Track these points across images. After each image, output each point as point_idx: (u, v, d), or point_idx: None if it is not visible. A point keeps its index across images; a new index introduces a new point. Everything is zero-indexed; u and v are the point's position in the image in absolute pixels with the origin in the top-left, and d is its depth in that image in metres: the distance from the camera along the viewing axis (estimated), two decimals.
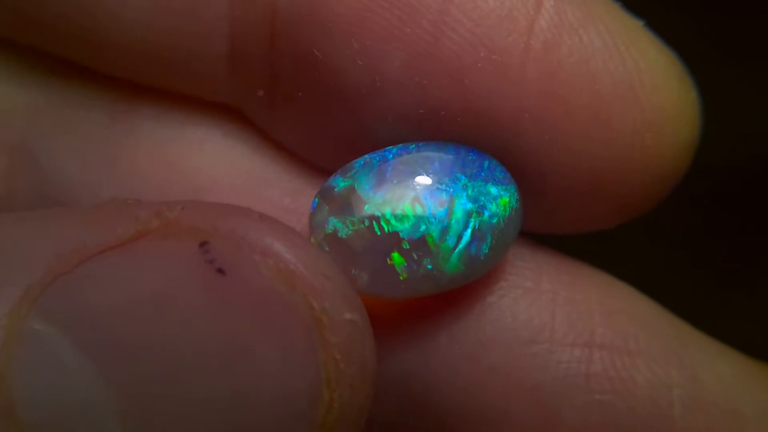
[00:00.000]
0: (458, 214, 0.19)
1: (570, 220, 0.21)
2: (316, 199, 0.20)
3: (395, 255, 0.19)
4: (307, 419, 0.16)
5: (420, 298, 0.21)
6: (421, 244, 0.19)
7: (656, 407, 0.21)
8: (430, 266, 0.19)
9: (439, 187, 0.19)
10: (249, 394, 0.16)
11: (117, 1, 0.21)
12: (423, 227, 0.19)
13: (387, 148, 0.20)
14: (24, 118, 0.23)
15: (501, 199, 0.20)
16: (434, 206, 0.19)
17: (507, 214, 0.20)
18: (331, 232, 0.19)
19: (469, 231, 0.19)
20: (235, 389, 0.16)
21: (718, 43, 0.40)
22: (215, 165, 0.23)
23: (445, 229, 0.19)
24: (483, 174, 0.20)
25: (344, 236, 0.19)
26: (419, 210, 0.19)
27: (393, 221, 0.19)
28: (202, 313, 0.16)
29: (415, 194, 0.19)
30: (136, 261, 0.16)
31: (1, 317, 0.15)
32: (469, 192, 0.19)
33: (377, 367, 0.17)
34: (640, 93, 0.19)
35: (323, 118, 0.21)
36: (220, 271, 0.16)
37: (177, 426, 0.15)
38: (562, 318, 0.21)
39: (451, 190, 0.19)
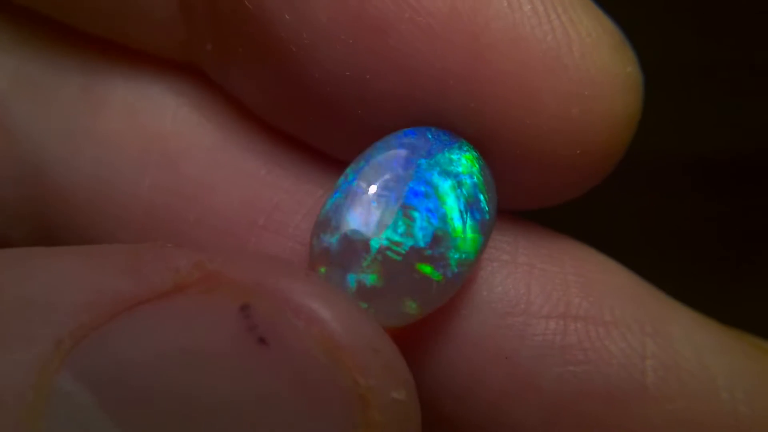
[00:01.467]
0: (445, 197, 0.19)
1: (509, 191, 0.21)
2: (322, 269, 0.19)
3: (420, 266, 0.19)
4: None
5: None
6: (435, 241, 0.19)
7: (630, 376, 0.21)
8: (456, 255, 0.19)
9: (414, 183, 0.19)
10: None
11: None
12: (427, 226, 0.19)
13: (344, 172, 0.20)
14: (2, 79, 0.23)
15: (464, 157, 0.20)
16: (422, 203, 0.19)
17: (478, 167, 0.20)
18: (356, 286, 0.19)
19: (463, 204, 0.19)
20: None
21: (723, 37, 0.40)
22: (189, 131, 0.22)
23: (445, 217, 0.19)
24: (436, 146, 0.20)
25: (371, 283, 0.19)
26: (414, 215, 0.19)
27: (402, 240, 0.19)
28: (239, 382, 0.15)
29: (400, 205, 0.19)
30: (173, 317, 0.16)
31: (31, 373, 0.15)
32: (438, 170, 0.19)
33: None
34: (569, 62, 0.19)
35: (266, 74, 0.21)
36: (262, 340, 0.15)
37: None
38: (537, 290, 0.21)
39: (425, 179, 0.19)
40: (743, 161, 0.36)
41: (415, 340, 0.21)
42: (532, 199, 0.22)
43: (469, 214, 0.19)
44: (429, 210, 0.19)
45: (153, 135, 0.23)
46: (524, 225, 0.22)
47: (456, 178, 0.19)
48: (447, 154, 0.20)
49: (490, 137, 0.20)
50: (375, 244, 0.19)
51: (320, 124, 0.21)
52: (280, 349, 0.15)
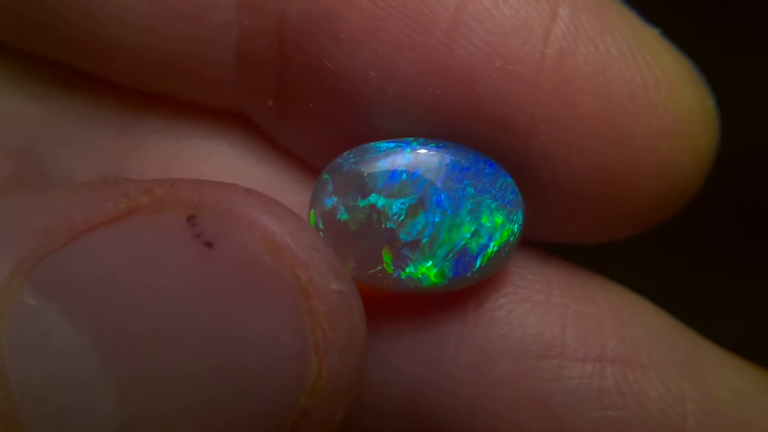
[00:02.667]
0: (456, 228, 0.19)
1: (585, 229, 0.21)
2: (325, 175, 0.20)
3: (386, 251, 0.19)
4: (296, 386, 0.16)
5: (417, 298, 0.21)
6: (413, 246, 0.19)
7: (669, 421, 0.20)
8: (414, 270, 0.19)
9: (447, 194, 0.19)
10: (237, 361, 0.16)
11: (123, 6, 0.21)
12: (419, 231, 0.19)
13: (407, 139, 0.20)
14: (30, 125, 0.23)
15: (502, 226, 0.20)
16: (437, 213, 0.19)
17: (504, 240, 0.20)
18: (329, 210, 0.19)
19: (462, 248, 0.19)
20: (223, 356, 0.16)
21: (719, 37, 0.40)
22: (222, 176, 0.22)
23: (440, 240, 0.19)
24: (493, 192, 0.19)
25: (341, 219, 0.19)
26: (420, 213, 0.19)
27: (393, 218, 0.19)
28: (190, 284, 0.16)
29: (421, 196, 0.19)
30: (125, 236, 0.16)
31: None
32: (474, 207, 0.19)
33: (367, 336, 0.18)
34: (657, 100, 0.19)
35: (334, 126, 0.21)
36: (208, 244, 0.16)
37: (168, 392, 0.16)
38: (573, 332, 0.21)
39: (457, 201, 0.19)
40: (745, 158, 0.36)
41: (445, 378, 0.21)
42: (606, 233, 0.21)
43: (454, 259, 0.19)
44: (433, 223, 0.19)
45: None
46: (555, 264, 0.22)
47: (477, 227, 0.19)
48: (494, 207, 0.19)
49: (577, 176, 0.20)
50: (372, 200, 0.19)
51: None
52: (226, 251, 0.16)
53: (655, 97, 0.19)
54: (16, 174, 0.22)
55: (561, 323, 0.21)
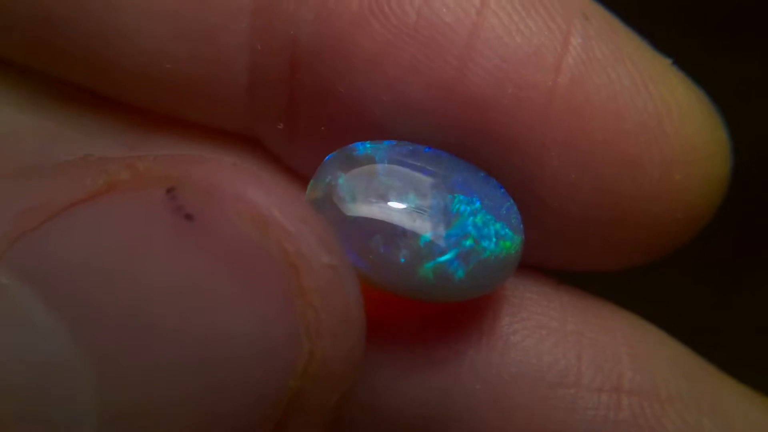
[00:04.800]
0: (456, 229, 0.19)
1: (596, 256, 0.21)
2: (335, 153, 0.19)
3: (377, 235, 0.19)
4: (286, 369, 0.16)
5: (431, 321, 0.21)
6: (408, 236, 0.19)
7: None
8: (403, 260, 0.19)
9: (452, 198, 0.19)
10: (222, 343, 0.15)
11: (133, 28, 0.21)
12: (417, 224, 0.19)
13: (425, 146, 0.20)
14: (38, 141, 0.23)
15: (503, 240, 0.19)
16: (439, 212, 0.19)
17: (500, 253, 0.19)
18: (331, 182, 0.19)
19: (456, 250, 0.19)
20: (207, 338, 0.15)
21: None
22: None
23: (437, 236, 0.19)
24: (499, 212, 0.19)
25: (341, 194, 0.19)
26: (423, 208, 0.19)
27: (394, 208, 0.19)
28: (171, 260, 0.15)
29: (426, 192, 0.19)
30: (105, 213, 0.16)
31: None
32: (477, 219, 0.19)
33: (364, 319, 0.17)
34: (669, 129, 0.19)
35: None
36: (188, 216, 0.15)
37: (150, 376, 0.15)
38: (588, 361, 0.20)
39: (462, 207, 0.19)
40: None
41: (458, 405, 0.21)
42: (617, 262, 0.21)
43: (447, 257, 0.19)
44: (433, 221, 0.19)
45: None
46: (569, 291, 0.22)
47: (478, 237, 0.19)
48: (496, 222, 0.19)
49: (588, 205, 0.20)
50: (375, 188, 0.19)
51: None
52: (208, 225, 0.15)
53: (667, 126, 0.19)
54: None
55: (576, 351, 0.21)
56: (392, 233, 0.19)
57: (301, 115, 0.21)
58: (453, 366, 0.21)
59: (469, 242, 0.19)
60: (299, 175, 0.22)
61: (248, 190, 0.16)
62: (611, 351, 0.21)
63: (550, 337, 0.21)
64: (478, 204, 0.19)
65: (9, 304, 0.15)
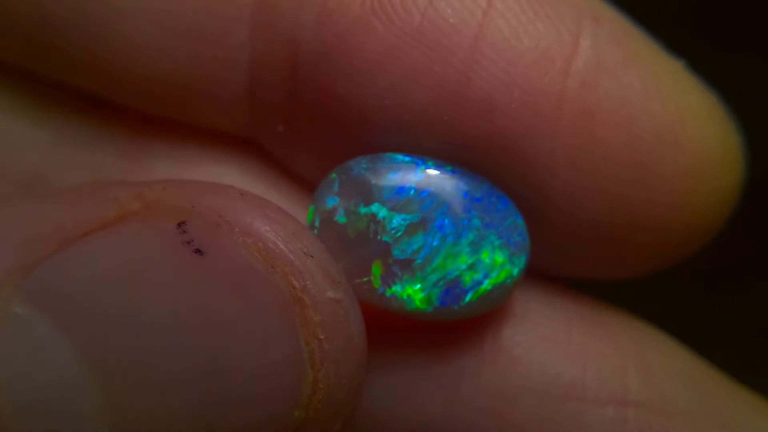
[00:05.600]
0: (453, 257, 0.19)
1: (605, 265, 0.20)
2: (333, 174, 0.19)
3: (377, 264, 0.18)
4: (290, 398, 0.16)
5: (432, 332, 0.20)
6: (405, 265, 0.18)
7: None
8: (401, 290, 0.19)
9: (452, 220, 0.18)
10: (226, 373, 0.15)
11: (135, 30, 0.20)
12: (414, 252, 0.18)
13: (424, 157, 0.19)
14: (36, 150, 0.22)
15: (501, 266, 0.19)
16: (436, 237, 0.18)
17: (500, 281, 0.19)
18: (329, 210, 0.19)
19: (454, 278, 0.19)
20: (212, 368, 0.15)
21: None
22: None
23: (434, 264, 0.18)
24: (500, 229, 0.19)
25: (339, 221, 0.19)
26: (420, 233, 0.18)
27: (390, 233, 0.18)
28: (180, 292, 0.15)
29: (424, 216, 0.18)
30: (116, 244, 0.16)
31: None
32: (476, 240, 0.19)
33: (366, 347, 0.17)
34: (682, 137, 0.19)
35: (347, 154, 0.20)
36: (198, 251, 0.16)
37: (157, 401, 0.15)
38: (594, 373, 0.20)
39: (460, 230, 0.19)
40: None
41: (461, 421, 0.20)
42: (629, 269, 0.21)
43: (444, 288, 0.19)
44: (430, 247, 0.18)
45: None
46: (576, 299, 0.21)
47: (475, 262, 0.19)
48: (498, 245, 0.19)
49: (598, 212, 0.19)
50: (374, 210, 0.19)
51: None
52: (217, 259, 0.16)
53: (680, 134, 0.19)
54: None
55: (581, 364, 0.20)
56: (391, 262, 0.18)
57: (302, 118, 0.20)
58: (454, 380, 0.20)
59: (467, 277, 0.19)
60: (299, 177, 0.22)
61: (255, 223, 0.16)
62: (618, 362, 0.20)
63: (554, 350, 0.20)
64: (478, 223, 0.19)
65: (24, 334, 0.15)
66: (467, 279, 0.19)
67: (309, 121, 0.20)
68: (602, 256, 0.20)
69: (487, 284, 0.19)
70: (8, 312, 0.15)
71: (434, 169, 0.19)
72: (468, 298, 0.19)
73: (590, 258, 0.20)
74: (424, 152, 0.19)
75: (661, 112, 0.18)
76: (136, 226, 0.16)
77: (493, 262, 0.19)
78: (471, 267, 0.19)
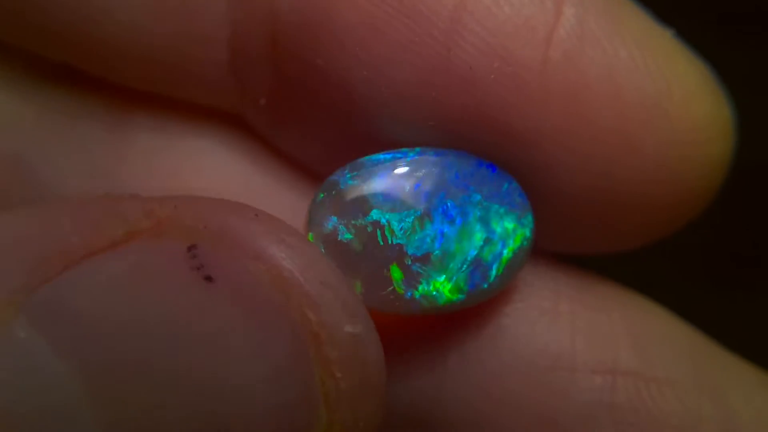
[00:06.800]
0: (468, 237, 0.18)
1: (594, 239, 0.20)
2: (321, 194, 0.19)
3: (394, 268, 0.18)
4: None
5: (420, 316, 0.20)
6: (424, 261, 0.18)
7: None
8: (428, 286, 0.18)
9: (453, 202, 0.18)
10: (233, 412, 0.15)
11: (115, 4, 0.20)
12: (429, 244, 0.18)
13: (403, 150, 0.19)
14: (20, 127, 0.22)
15: (514, 230, 0.19)
16: (444, 224, 0.18)
17: (518, 245, 0.19)
18: (330, 232, 0.18)
19: (475, 258, 0.18)
20: (219, 405, 0.15)
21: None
22: (214, 179, 0.22)
23: (452, 251, 0.18)
24: (500, 196, 0.19)
25: (344, 239, 0.18)
26: (428, 225, 0.18)
27: (398, 233, 0.18)
28: (189, 318, 0.15)
29: (426, 207, 0.18)
30: (124, 265, 0.15)
31: None
32: (483, 214, 0.18)
33: (385, 383, 0.16)
34: (668, 108, 0.18)
35: (329, 127, 0.20)
36: (208, 278, 0.15)
37: (160, 428, 0.14)
38: (582, 342, 0.20)
39: (465, 209, 0.18)
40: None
41: (450, 398, 0.20)
42: (616, 244, 0.20)
43: (468, 271, 0.18)
44: (442, 234, 0.18)
45: (178, 182, 0.22)
46: (565, 269, 0.21)
47: (488, 235, 0.19)
48: (503, 212, 0.19)
49: (584, 187, 0.19)
50: (375, 216, 0.18)
51: None
52: (228, 286, 0.15)
53: (667, 105, 0.18)
54: (4, 178, 0.22)
55: (570, 333, 0.20)
56: (409, 262, 0.18)
57: (283, 91, 0.20)
58: (442, 356, 0.20)
59: (486, 252, 0.18)
60: (283, 154, 0.22)
61: (271, 248, 0.15)
62: (607, 331, 0.20)
63: (542, 320, 0.20)
64: (478, 197, 0.19)
65: (26, 358, 0.14)
66: (487, 254, 0.18)
67: (290, 95, 0.20)
68: (591, 230, 0.20)
69: (507, 253, 0.19)
70: (10, 335, 0.14)
71: (418, 157, 0.19)
72: (494, 272, 0.19)
73: (579, 232, 0.20)
74: (409, 129, 0.19)
75: (647, 83, 0.18)
76: (145, 246, 0.15)
77: (505, 230, 0.19)
78: (487, 241, 0.18)
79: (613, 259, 0.21)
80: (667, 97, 0.18)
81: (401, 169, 0.18)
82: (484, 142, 0.19)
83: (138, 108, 0.22)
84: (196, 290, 0.15)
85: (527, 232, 0.19)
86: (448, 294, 0.18)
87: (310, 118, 0.20)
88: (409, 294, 0.18)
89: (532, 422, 0.20)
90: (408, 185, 0.18)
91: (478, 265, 0.18)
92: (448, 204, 0.18)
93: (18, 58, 0.22)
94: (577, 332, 0.20)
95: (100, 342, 0.15)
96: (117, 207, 0.16)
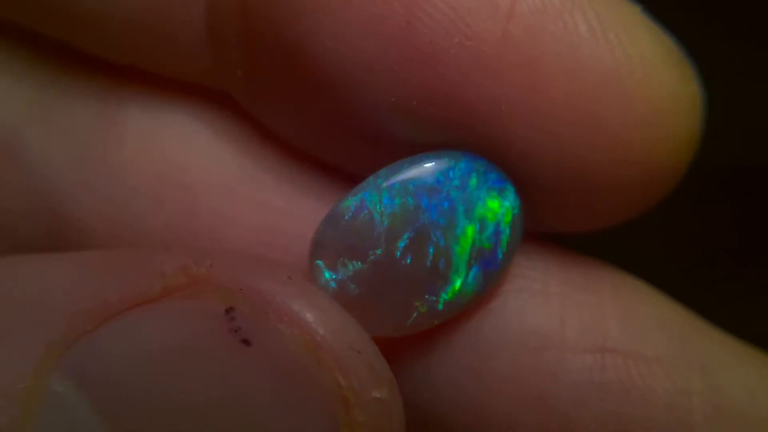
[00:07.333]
0: (463, 234, 0.19)
1: (563, 217, 0.20)
2: (317, 260, 0.19)
3: (412, 295, 0.19)
4: None
5: None
6: (434, 275, 0.19)
7: (675, 417, 0.20)
8: (448, 295, 0.19)
9: (437, 207, 0.19)
10: None
11: None
12: (432, 258, 0.19)
13: (366, 185, 0.19)
14: (8, 108, 0.22)
15: (503, 208, 0.19)
16: (438, 233, 0.19)
17: (510, 219, 0.19)
18: (339, 287, 0.19)
19: (478, 249, 0.19)
20: None
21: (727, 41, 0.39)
22: (205, 160, 0.22)
23: (454, 254, 0.19)
24: (478, 183, 0.19)
25: (355, 290, 0.19)
26: (426, 240, 0.19)
27: (401, 260, 0.19)
28: (225, 382, 0.16)
29: (414, 227, 0.19)
30: (161, 320, 0.16)
31: (24, 375, 0.15)
32: (468, 208, 0.19)
33: None
34: (630, 85, 0.18)
35: (302, 100, 0.20)
36: (245, 341, 0.16)
37: None
38: (572, 322, 0.20)
39: (448, 210, 0.19)
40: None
41: (441, 382, 0.20)
42: (584, 222, 0.20)
43: (477, 263, 0.19)
44: (438, 246, 0.19)
45: (170, 164, 0.22)
46: (555, 250, 0.21)
47: (482, 224, 0.19)
48: (485, 195, 0.19)
49: (545, 163, 0.19)
50: (381, 253, 0.19)
51: (356, 147, 0.20)
52: (263, 350, 0.16)
53: (629, 82, 0.18)
54: None
55: (560, 314, 0.20)
56: (422, 286, 0.19)
57: (258, 63, 0.20)
58: (429, 336, 0.20)
59: (484, 239, 0.19)
60: (271, 133, 0.22)
61: (304, 312, 0.16)
62: (597, 311, 0.20)
63: (532, 301, 0.20)
64: (457, 193, 0.19)
65: (62, 414, 0.15)
66: (486, 243, 0.19)
67: (265, 67, 0.20)
68: (556, 209, 0.20)
69: (504, 231, 0.19)
70: (48, 389, 0.15)
71: (384, 183, 0.19)
72: (500, 253, 0.19)
73: (544, 211, 0.20)
74: (376, 104, 0.19)
75: (608, 58, 0.18)
76: (182, 304, 0.16)
77: (494, 211, 0.19)
78: (480, 230, 0.19)
79: (612, 259, 0.22)
80: (629, 74, 0.18)
81: (374, 202, 0.19)
82: (447, 118, 0.19)
83: (128, 91, 0.22)
84: (233, 353, 0.16)
85: (512, 201, 0.19)
86: (469, 290, 0.19)
87: (285, 91, 0.20)
88: (434, 310, 0.19)
89: (524, 401, 0.20)
90: (391, 213, 0.19)
91: (483, 254, 0.19)
92: (433, 214, 0.19)
93: (5, 37, 0.22)
94: (567, 312, 0.20)
95: (136, 398, 0.15)
96: (154, 261, 0.16)
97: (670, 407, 0.20)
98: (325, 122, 0.20)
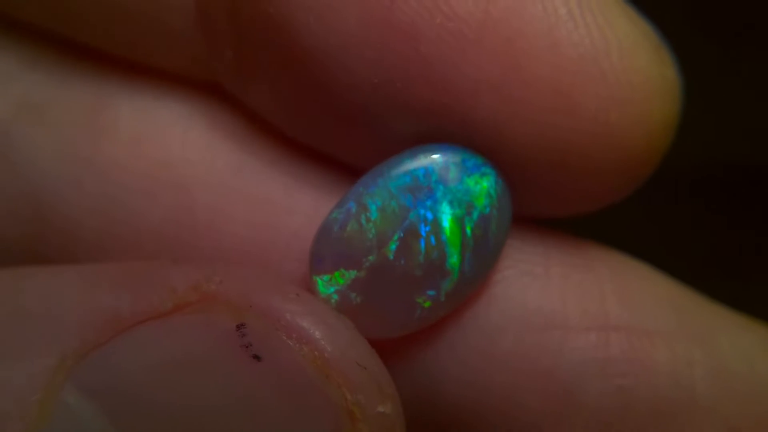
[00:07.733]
0: (451, 226, 0.19)
1: (547, 201, 0.20)
2: (314, 276, 0.19)
3: (414, 292, 0.19)
4: None
5: None
6: (432, 268, 0.19)
7: (678, 386, 0.20)
8: (449, 286, 0.19)
9: (422, 204, 0.19)
10: None
11: None
12: (426, 253, 0.19)
13: (358, 181, 0.19)
14: (16, 91, 0.22)
15: (483, 191, 0.19)
16: (429, 227, 0.19)
17: (494, 202, 0.19)
18: (341, 299, 0.19)
19: (468, 237, 0.19)
20: None
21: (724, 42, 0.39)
22: (198, 156, 0.22)
23: (446, 245, 0.19)
24: (457, 171, 0.19)
25: (357, 299, 0.19)
26: (413, 242, 0.19)
27: (397, 261, 0.19)
28: (235, 396, 0.16)
29: (403, 226, 0.19)
30: (172, 335, 0.16)
31: (36, 387, 0.15)
32: (451, 198, 0.19)
33: None
34: (606, 66, 0.18)
35: (289, 82, 0.20)
36: (256, 357, 0.16)
37: None
38: (574, 302, 0.20)
39: (436, 205, 0.19)
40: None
41: (448, 362, 0.21)
42: (566, 207, 0.21)
43: (470, 249, 0.19)
44: (428, 241, 0.19)
45: (163, 159, 0.22)
46: (553, 235, 0.21)
47: (467, 209, 0.19)
48: (466, 182, 0.19)
49: (524, 144, 0.19)
50: (374, 258, 0.19)
51: (344, 133, 0.21)
52: (274, 366, 0.16)
53: (605, 64, 0.18)
54: None
55: (561, 294, 0.20)
56: (418, 274, 0.19)
57: (246, 43, 0.20)
58: (438, 324, 0.21)
59: (475, 218, 0.19)
60: (266, 125, 0.22)
61: (313, 329, 0.17)
62: (597, 290, 0.21)
63: (534, 283, 0.21)
64: (440, 186, 0.19)
65: (74, 423, 0.15)
66: (475, 227, 0.19)
67: (252, 47, 0.20)
68: (532, 192, 0.20)
69: (491, 212, 0.19)
70: (60, 401, 0.15)
71: (366, 189, 0.19)
72: (491, 235, 0.19)
73: (525, 192, 0.20)
74: (360, 85, 0.19)
75: (585, 41, 0.18)
76: (193, 319, 0.16)
77: (477, 195, 0.19)
78: (468, 211, 0.19)
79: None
80: (605, 56, 0.18)
81: (362, 210, 0.19)
82: (427, 98, 0.19)
83: (119, 85, 0.22)
84: (245, 367, 0.16)
85: (494, 180, 0.19)
86: (469, 274, 0.19)
87: (273, 72, 0.20)
88: (437, 300, 0.19)
89: (529, 379, 0.20)
90: (378, 218, 0.19)
91: (474, 239, 0.19)
92: (420, 211, 0.19)
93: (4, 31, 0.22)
94: (569, 292, 0.20)
95: (147, 413, 0.15)
96: (165, 276, 0.17)
97: (673, 376, 0.20)
98: (312, 106, 0.20)
